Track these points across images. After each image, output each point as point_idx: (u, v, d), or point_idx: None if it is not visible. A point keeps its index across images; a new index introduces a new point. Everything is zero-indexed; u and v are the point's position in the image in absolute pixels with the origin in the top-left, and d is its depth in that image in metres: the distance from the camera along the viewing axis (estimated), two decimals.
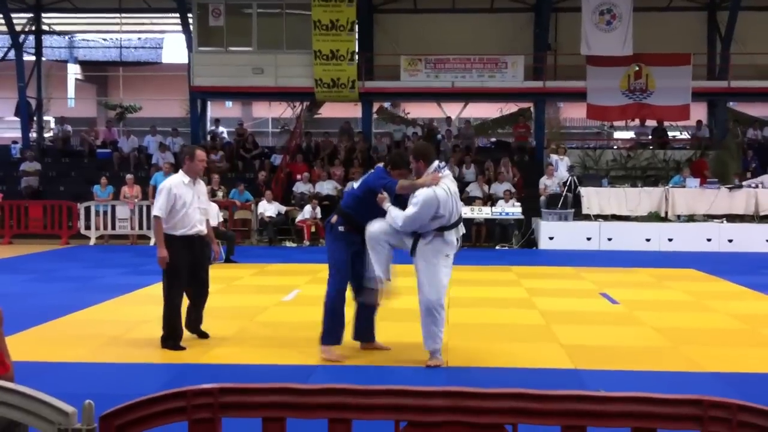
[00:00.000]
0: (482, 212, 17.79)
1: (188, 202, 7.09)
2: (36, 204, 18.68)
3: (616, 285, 11.29)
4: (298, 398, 2.46)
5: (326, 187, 19.44)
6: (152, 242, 14.51)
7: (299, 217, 18.08)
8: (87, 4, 24.91)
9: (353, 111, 24.78)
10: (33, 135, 24.62)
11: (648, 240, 16.82)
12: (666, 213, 17.44)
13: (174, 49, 27.68)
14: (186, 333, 7.28)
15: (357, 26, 21.92)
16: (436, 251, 6.25)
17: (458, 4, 23.48)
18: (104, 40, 28.52)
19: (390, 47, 23.05)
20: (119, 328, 7.93)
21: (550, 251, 16.51)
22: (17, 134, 24.62)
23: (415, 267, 6.37)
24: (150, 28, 28.14)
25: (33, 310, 8.73)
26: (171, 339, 7.06)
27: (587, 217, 17.40)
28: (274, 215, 17.94)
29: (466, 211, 17.74)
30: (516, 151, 22.21)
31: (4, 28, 24.14)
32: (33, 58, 25.08)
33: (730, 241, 16.75)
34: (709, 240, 16.79)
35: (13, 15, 23.71)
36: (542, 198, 17.94)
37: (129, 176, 18.56)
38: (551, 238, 17.03)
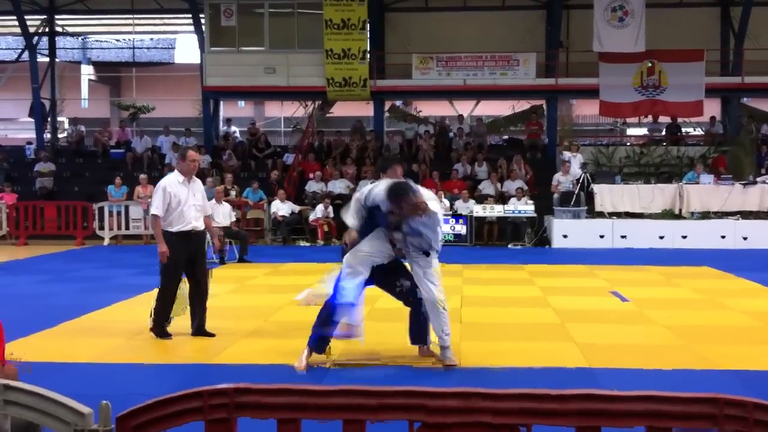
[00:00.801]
0: (494, 210, 17.75)
1: (183, 200, 7.46)
2: (51, 205, 18.80)
3: (628, 283, 11.25)
4: (313, 399, 2.47)
5: (338, 186, 19.46)
6: None
7: (312, 216, 18.11)
8: (100, 6, 25.03)
9: (365, 110, 24.79)
10: (47, 136, 24.77)
11: (662, 237, 16.75)
12: (680, 210, 17.35)
13: (186, 49, 27.76)
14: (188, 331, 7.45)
15: (368, 25, 21.93)
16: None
17: (469, 2, 23.45)
18: (117, 41, 28.63)
19: (401, 46, 23.05)
20: (133, 328, 7.97)
21: (563, 249, 16.46)
22: (31, 135, 24.77)
23: (412, 270, 6.37)
24: (162, 29, 28.24)
25: (48, 311, 8.79)
26: (158, 326, 7.46)
27: (600, 215, 17.34)
28: (287, 214, 17.98)
29: (478, 210, 17.74)
30: (528, 149, 22.15)
31: (18, 30, 24.30)
32: (47, 59, 25.23)
33: (745, 238, 16.64)
34: (723, 237, 16.70)
35: (26, 17, 23.88)
36: (555, 196, 17.89)
37: (142, 176, 18.65)
38: (564, 236, 16.98)
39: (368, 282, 6.43)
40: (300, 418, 2.48)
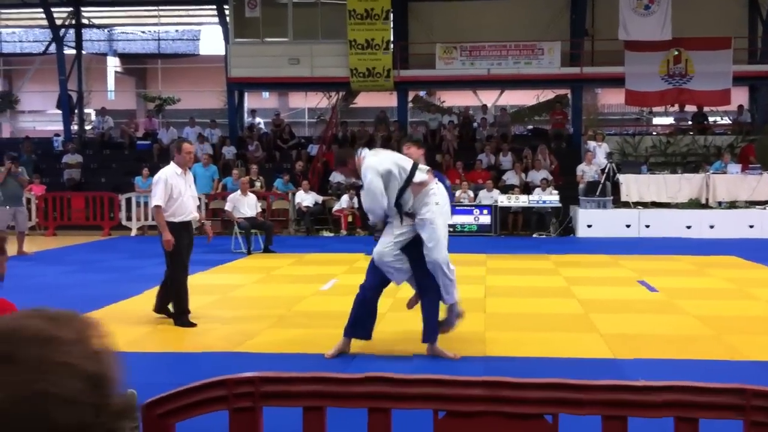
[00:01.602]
0: (519, 201, 17.67)
1: (182, 191, 7.75)
2: (78, 196, 18.99)
3: (655, 273, 11.15)
4: (338, 387, 2.48)
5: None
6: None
7: (336, 207, 18.14)
8: None
9: (389, 100, 24.75)
10: (74, 128, 25.01)
11: (688, 227, 16.58)
12: (707, 199, 17.17)
13: (211, 40, 27.85)
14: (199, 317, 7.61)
15: (392, 15, 21.87)
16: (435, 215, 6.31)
17: None
18: (143, 32, 28.77)
19: (425, 35, 22.95)
20: (159, 317, 8.03)
21: (589, 239, 16.35)
22: (59, 127, 25.01)
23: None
24: (187, 21, 28.35)
25: (76, 301, 8.89)
26: (183, 314, 7.65)
27: (626, 205, 17.20)
28: (311, 205, 18.02)
29: (503, 200, 17.68)
30: (553, 139, 22.00)
31: (45, 23, 24.52)
32: (73, 51, 25.43)
33: None
34: (751, 227, 16.50)
35: (53, 9, 24.10)
36: (580, 186, 17.77)
37: None
38: (589, 226, 16.87)
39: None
40: (325, 406, 2.49)
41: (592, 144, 19.03)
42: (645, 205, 17.23)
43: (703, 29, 21.05)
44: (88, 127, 26.18)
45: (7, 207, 13.74)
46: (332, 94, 25.67)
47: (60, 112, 24.93)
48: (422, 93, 24.76)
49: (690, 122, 22.51)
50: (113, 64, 30.82)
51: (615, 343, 6.85)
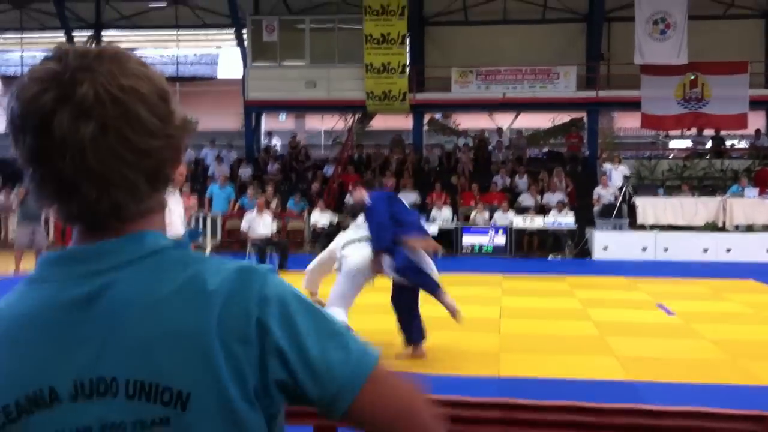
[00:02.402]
0: (534, 222, 17.65)
1: (173, 210, 7.70)
2: None
3: (672, 296, 11.09)
4: None
5: None
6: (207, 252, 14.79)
7: None
8: (145, 22, 25.54)
9: (404, 122, 24.86)
10: None
11: (705, 250, 16.49)
12: (723, 223, 17.08)
13: (229, 64, 28.12)
14: None
15: (408, 39, 22.02)
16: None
17: (509, 15, 23.42)
18: (161, 56, 29.11)
19: (441, 59, 23.07)
20: None
21: (605, 261, 16.29)
22: None
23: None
24: (206, 44, 28.66)
25: None
26: None
27: (642, 227, 17.14)
28: (325, 225, 18.08)
29: (518, 221, 17.66)
30: (569, 161, 22.00)
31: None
32: None
33: None
34: None
35: (74, 33, 24.49)
36: (596, 208, 17.74)
37: (185, 188, 18.89)
38: (605, 248, 16.81)
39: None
40: (336, 426, 2.49)
41: (608, 166, 19.01)
42: (661, 227, 17.17)
43: (719, 54, 21.05)
44: None
45: (27, 224, 13.89)
46: (348, 116, 25.82)
47: None
48: (438, 115, 24.86)
49: (707, 146, 22.45)
50: None
51: (631, 366, 6.82)
